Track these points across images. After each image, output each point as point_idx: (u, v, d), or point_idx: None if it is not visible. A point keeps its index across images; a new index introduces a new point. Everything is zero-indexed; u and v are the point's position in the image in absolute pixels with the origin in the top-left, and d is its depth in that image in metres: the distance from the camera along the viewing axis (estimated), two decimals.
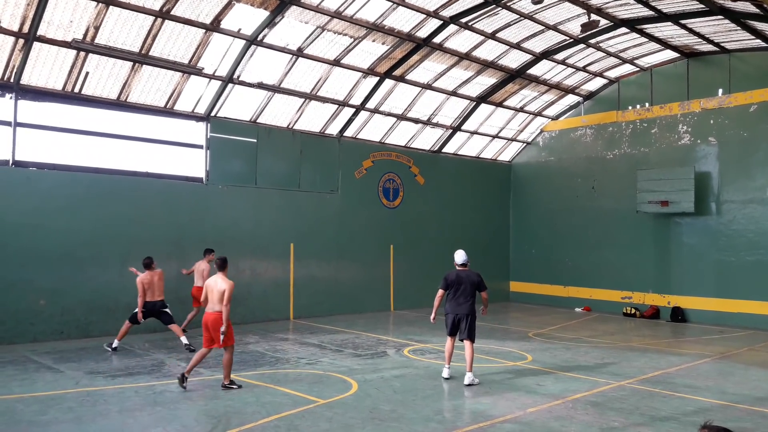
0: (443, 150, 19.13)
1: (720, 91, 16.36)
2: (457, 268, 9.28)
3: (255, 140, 14.83)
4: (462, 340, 9.08)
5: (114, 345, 10.78)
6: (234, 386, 8.32)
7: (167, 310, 11.01)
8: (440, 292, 9.20)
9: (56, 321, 11.72)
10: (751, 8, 12.59)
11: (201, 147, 14.05)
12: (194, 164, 14.02)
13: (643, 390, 8.67)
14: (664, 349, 12.23)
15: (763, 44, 15.16)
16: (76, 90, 12.09)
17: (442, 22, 13.98)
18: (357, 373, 9.32)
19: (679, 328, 15.46)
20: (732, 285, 15.70)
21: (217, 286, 8.23)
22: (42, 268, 11.59)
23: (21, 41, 10.90)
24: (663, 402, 8.05)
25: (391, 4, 12.95)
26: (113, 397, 7.83)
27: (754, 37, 14.81)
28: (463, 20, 14.11)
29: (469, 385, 8.70)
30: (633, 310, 17.25)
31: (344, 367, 9.77)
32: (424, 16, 13.65)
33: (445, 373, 9.16)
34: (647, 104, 17.84)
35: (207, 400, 7.74)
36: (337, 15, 12.86)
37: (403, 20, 13.74)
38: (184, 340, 10.94)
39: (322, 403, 7.66)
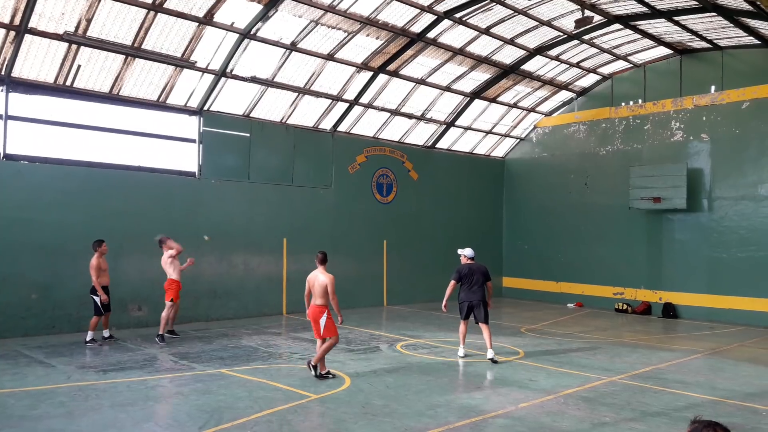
0: (437, 145, 19.13)
1: (713, 88, 16.41)
2: (468, 261, 10.40)
3: (248, 134, 14.79)
4: (477, 323, 10.21)
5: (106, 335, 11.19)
6: (330, 376, 8.68)
7: (94, 298, 10.91)
8: (452, 283, 10.35)
9: (48, 315, 11.67)
10: (744, 5, 12.63)
11: (194, 141, 13.99)
12: (187, 158, 13.96)
13: (635, 385, 8.72)
14: (656, 344, 12.29)
15: (756, 41, 15.21)
16: (68, 83, 12.01)
17: (436, 17, 13.95)
18: (350, 368, 9.33)
19: (671, 324, 15.55)
20: (723, 281, 15.79)
21: (318, 280, 8.65)
22: (34, 262, 11.54)
23: (12, 33, 10.80)
24: (654, 397, 8.10)
25: None
26: (105, 391, 7.80)
27: (746, 35, 14.85)
28: (458, 15, 14.09)
29: (492, 359, 9.90)
30: (625, 306, 17.33)
31: (337, 362, 9.77)
32: (418, 10, 13.62)
33: (461, 352, 10.35)
34: (640, 101, 17.88)
35: (199, 395, 7.73)
36: (330, 9, 12.81)
37: (397, 15, 13.70)
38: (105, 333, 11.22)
39: (314, 398, 7.67)
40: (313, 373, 8.65)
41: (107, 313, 11.06)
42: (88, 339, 10.78)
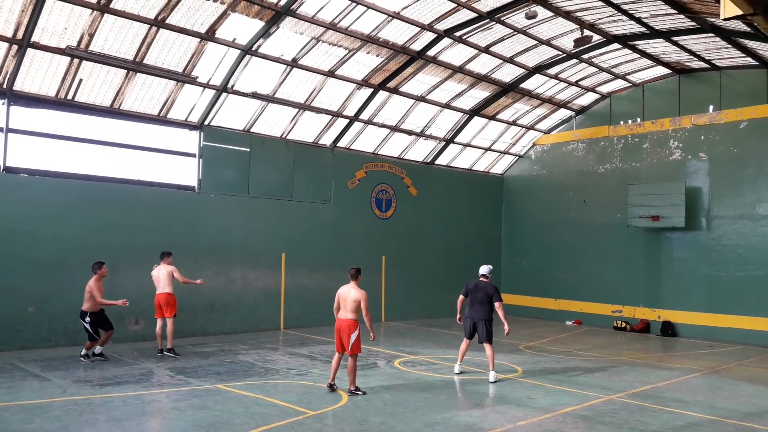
0: (436, 162, 19.18)
1: (711, 107, 16.51)
2: (480, 278, 10.42)
3: (248, 149, 14.83)
4: (480, 343, 10.17)
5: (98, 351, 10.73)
6: (359, 392, 8.66)
7: (84, 323, 10.47)
8: (461, 297, 10.52)
9: (44, 328, 11.62)
10: (741, 27, 12.75)
11: (194, 155, 14.03)
12: (187, 173, 13.99)
13: (633, 404, 8.68)
14: (654, 363, 12.25)
15: (754, 62, 15.33)
16: (70, 97, 12.06)
17: (436, 35, 14.07)
18: (346, 385, 9.26)
19: (669, 342, 15.50)
20: (722, 300, 15.77)
21: (350, 295, 8.74)
22: (31, 274, 11.51)
23: (15, 47, 10.87)
24: (653, 416, 8.06)
25: (386, 16, 13.02)
26: (101, 406, 7.76)
27: (744, 55, 14.98)
28: (458, 34, 14.20)
29: (494, 382, 9.76)
30: (623, 324, 17.29)
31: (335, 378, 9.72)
32: (419, 29, 13.73)
33: (456, 369, 10.35)
34: (639, 119, 17.98)
35: (195, 410, 7.68)
36: (332, 26, 12.92)
37: (397, 33, 13.82)
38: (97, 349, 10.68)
39: (311, 415, 7.63)
40: (357, 393, 8.69)
41: (109, 331, 10.71)
42: (81, 354, 10.58)
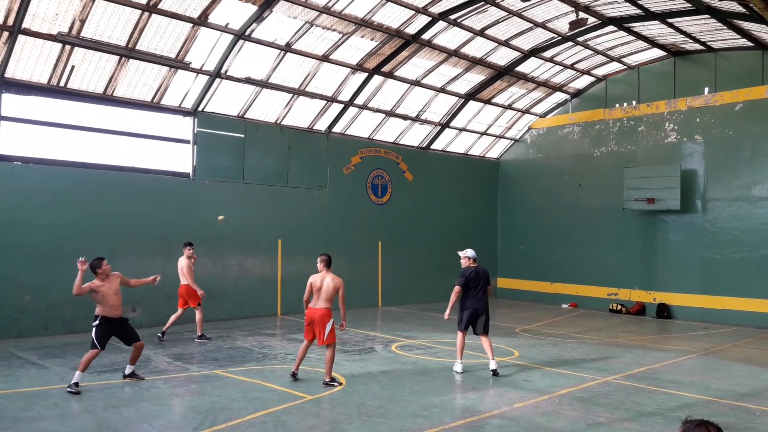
0: (432, 147, 19.14)
1: (706, 89, 16.49)
2: (472, 264, 9.50)
3: (243, 135, 14.76)
4: (477, 334, 9.37)
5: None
6: (335, 384, 8.32)
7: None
8: (457, 289, 9.34)
9: (41, 317, 11.62)
10: (737, 8, 12.69)
11: (188, 142, 13.96)
12: (181, 159, 13.93)
13: (629, 386, 8.74)
14: (650, 345, 12.33)
15: (749, 43, 15.29)
16: (62, 84, 11.96)
17: (431, 18, 13.97)
18: (344, 369, 9.32)
19: (665, 324, 15.59)
20: (717, 282, 15.85)
21: (326, 283, 8.39)
22: (27, 263, 11.49)
23: (5, 34, 10.76)
24: (648, 397, 8.12)
25: None
26: (99, 392, 7.77)
27: (740, 37, 14.93)
28: (452, 17, 14.10)
29: (494, 370, 9.10)
30: (619, 307, 17.38)
31: None
32: (413, 12, 13.63)
33: (459, 368, 9.37)
34: (634, 102, 17.95)
35: (194, 396, 7.71)
36: (325, 10, 12.81)
37: (392, 16, 13.71)
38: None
39: (309, 399, 7.66)
40: (333, 384, 8.30)
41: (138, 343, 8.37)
42: (72, 381, 7.77)
